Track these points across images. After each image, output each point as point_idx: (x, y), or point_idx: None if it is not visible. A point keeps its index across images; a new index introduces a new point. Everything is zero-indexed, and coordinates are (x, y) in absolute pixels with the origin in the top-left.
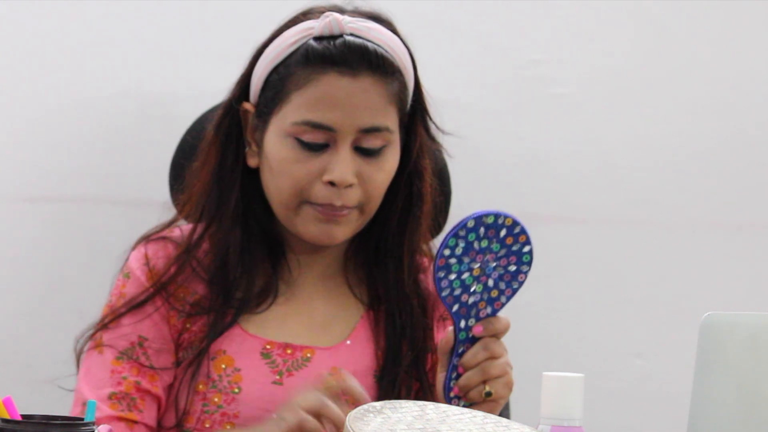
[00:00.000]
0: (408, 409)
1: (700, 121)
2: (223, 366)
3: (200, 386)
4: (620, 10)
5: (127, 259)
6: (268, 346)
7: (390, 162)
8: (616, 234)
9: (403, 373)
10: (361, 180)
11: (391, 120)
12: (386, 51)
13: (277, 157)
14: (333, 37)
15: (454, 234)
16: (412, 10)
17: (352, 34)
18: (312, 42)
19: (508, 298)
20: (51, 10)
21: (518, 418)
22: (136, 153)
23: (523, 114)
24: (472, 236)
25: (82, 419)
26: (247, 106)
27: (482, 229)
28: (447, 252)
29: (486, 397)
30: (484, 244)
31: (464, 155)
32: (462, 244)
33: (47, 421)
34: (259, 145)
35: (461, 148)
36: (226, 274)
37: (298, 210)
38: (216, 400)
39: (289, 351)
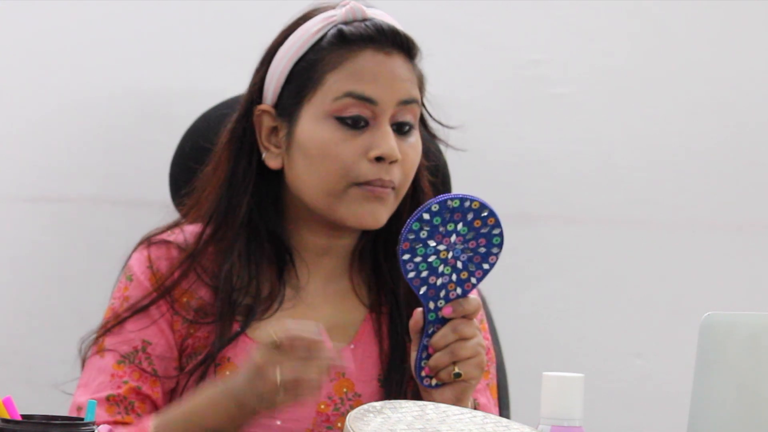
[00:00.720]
0: (408, 409)
1: (700, 121)
2: (228, 373)
3: None
4: (620, 10)
5: (128, 261)
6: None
7: (419, 142)
8: (616, 234)
9: (408, 377)
10: (402, 158)
11: (419, 97)
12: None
13: (318, 141)
14: (357, 21)
15: (418, 218)
16: (413, 10)
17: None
18: (342, 26)
19: (479, 280)
20: (51, 10)
21: (518, 418)
22: (136, 153)
23: (523, 114)
24: (437, 220)
25: (82, 419)
26: (264, 107)
27: (447, 213)
28: (411, 236)
29: (455, 378)
30: (450, 227)
31: (464, 155)
32: (426, 228)
33: (47, 421)
34: (281, 144)
35: (461, 149)
36: (231, 281)
37: (344, 194)
38: None
39: None
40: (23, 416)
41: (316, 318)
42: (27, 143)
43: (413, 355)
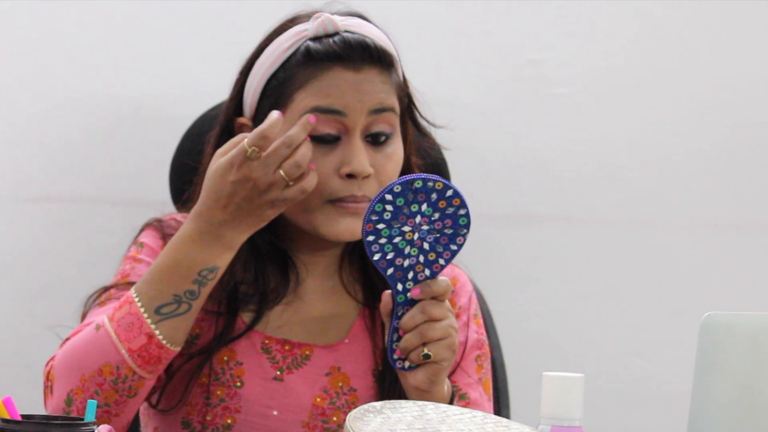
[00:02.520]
0: (408, 409)
1: (700, 121)
2: (226, 359)
3: (203, 379)
4: (620, 10)
5: (138, 236)
6: (266, 341)
7: (397, 151)
8: (616, 234)
9: None
10: (376, 171)
11: (395, 104)
12: (383, 44)
13: None
14: (330, 35)
15: (380, 199)
16: (413, 10)
17: (347, 31)
18: (310, 42)
19: (447, 261)
20: (51, 10)
21: (518, 418)
22: (136, 153)
23: (523, 114)
24: (400, 201)
25: (82, 419)
26: (243, 120)
27: (411, 194)
28: (374, 217)
29: (425, 359)
30: (414, 208)
31: (464, 155)
32: (390, 209)
33: (47, 421)
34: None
35: (461, 148)
36: (236, 275)
37: (319, 211)
38: (219, 393)
39: (287, 347)
40: (23, 416)
41: (312, 313)
42: (27, 143)
43: (385, 338)
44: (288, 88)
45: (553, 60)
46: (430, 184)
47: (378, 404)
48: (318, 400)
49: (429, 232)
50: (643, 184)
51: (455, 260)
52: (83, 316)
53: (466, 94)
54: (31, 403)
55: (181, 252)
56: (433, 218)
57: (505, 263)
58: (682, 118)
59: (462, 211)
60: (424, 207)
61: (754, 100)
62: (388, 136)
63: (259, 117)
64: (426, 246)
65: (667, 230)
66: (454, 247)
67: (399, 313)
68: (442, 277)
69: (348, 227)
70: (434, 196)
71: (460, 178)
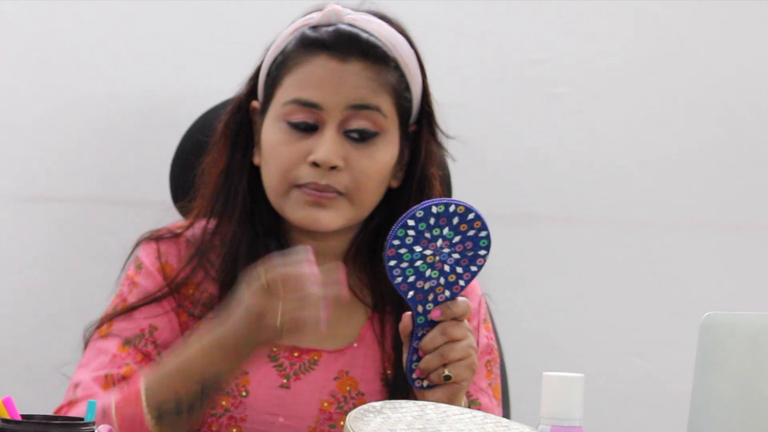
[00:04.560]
0: (408, 409)
1: (700, 121)
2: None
3: None
4: (620, 10)
5: (134, 253)
6: (275, 349)
7: (381, 152)
8: (616, 234)
9: None
10: (349, 165)
11: (383, 104)
12: (380, 41)
13: (269, 142)
14: (328, 25)
15: (402, 225)
16: (413, 10)
17: (349, 24)
18: (306, 29)
19: (467, 282)
20: (51, 10)
21: (518, 418)
22: (136, 153)
23: (523, 114)
24: (422, 225)
25: (82, 419)
26: (255, 104)
27: (432, 219)
28: (396, 242)
29: (445, 381)
30: (436, 232)
31: (464, 155)
32: (412, 233)
33: (47, 421)
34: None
35: (461, 149)
36: (235, 275)
37: (288, 195)
38: (223, 403)
39: (296, 354)
40: (23, 416)
41: None
42: (27, 143)
43: (404, 357)
44: (281, 71)
45: (553, 60)
46: (452, 208)
47: (378, 404)
48: (325, 404)
49: (450, 254)
50: (642, 184)
51: None
52: (85, 345)
53: (466, 94)
54: (31, 403)
55: (192, 360)
56: (454, 241)
57: (505, 263)
58: (682, 118)
59: (483, 234)
60: (445, 231)
61: (754, 100)
62: (372, 135)
63: (263, 100)
64: (446, 268)
65: (667, 230)
66: (474, 269)
67: (419, 334)
68: (462, 298)
69: (309, 215)
70: (456, 219)
71: (460, 178)
